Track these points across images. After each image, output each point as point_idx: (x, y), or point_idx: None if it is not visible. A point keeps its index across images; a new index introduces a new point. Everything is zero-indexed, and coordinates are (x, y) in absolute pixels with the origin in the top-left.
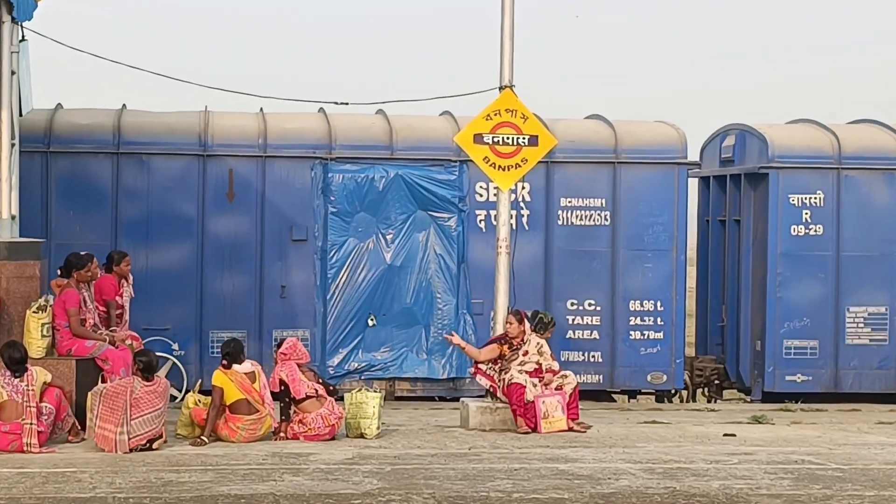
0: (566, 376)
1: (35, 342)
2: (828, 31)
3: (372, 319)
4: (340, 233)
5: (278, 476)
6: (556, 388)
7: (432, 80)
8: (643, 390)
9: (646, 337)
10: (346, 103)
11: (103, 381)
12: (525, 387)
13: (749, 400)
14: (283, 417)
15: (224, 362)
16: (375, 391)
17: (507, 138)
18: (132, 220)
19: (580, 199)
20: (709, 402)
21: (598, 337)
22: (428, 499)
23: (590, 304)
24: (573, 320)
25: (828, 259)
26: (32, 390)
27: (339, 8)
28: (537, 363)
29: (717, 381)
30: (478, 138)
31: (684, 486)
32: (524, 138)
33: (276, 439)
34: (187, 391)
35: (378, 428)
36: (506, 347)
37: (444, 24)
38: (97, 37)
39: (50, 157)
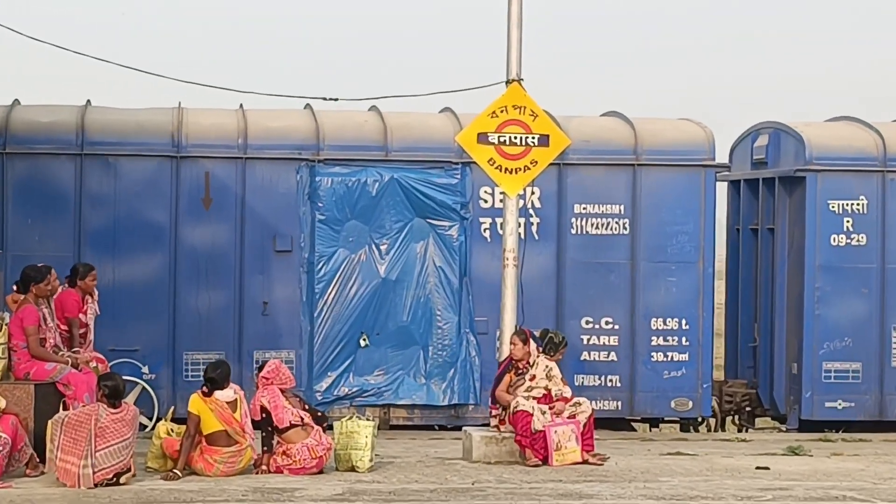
0: (579, 404)
1: None
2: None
3: (364, 339)
4: (329, 243)
5: None
6: (568, 417)
7: (431, 74)
8: (666, 418)
9: (669, 359)
10: (336, 99)
11: (65, 409)
12: (532, 415)
13: (784, 429)
14: (266, 448)
15: (205, 388)
16: (368, 419)
17: (515, 138)
18: (97, 229)
19: (596, 206)
20: (739, 431)
21: (615, 359)
22: None
23: (607, 323)
24: (588, 340)
25: (872, 272)
26: None
27: None
28: (546, 388)
29: (748, 408)
30: (482, 138)
31: None
32: (533, 138)
33: (257, 473)
34: (158, 419)
35: (371, 460)
36: (513, 374)
37: (444, 12)
38: (59, 27)
39: (6, 159)
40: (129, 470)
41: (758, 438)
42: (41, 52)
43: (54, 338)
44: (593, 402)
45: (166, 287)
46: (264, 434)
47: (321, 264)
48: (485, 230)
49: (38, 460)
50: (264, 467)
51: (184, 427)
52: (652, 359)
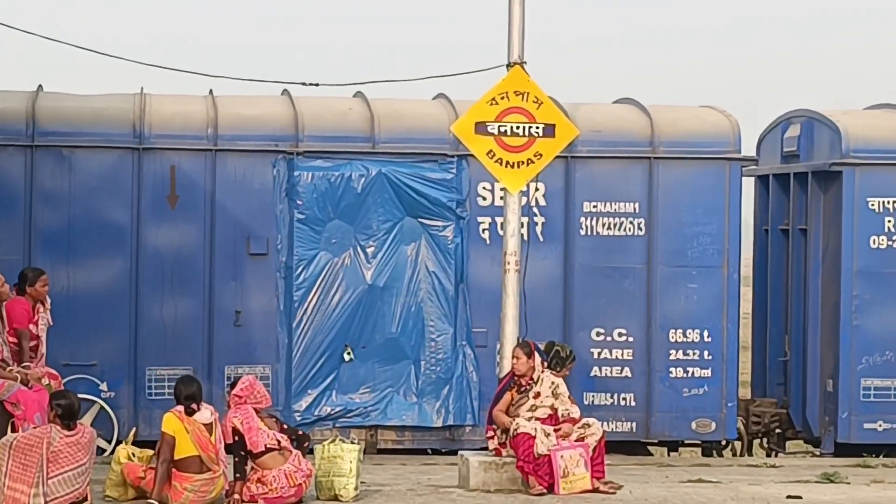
0: (589, 425)
1: None
2: None
3: (349, 353)
4: (309, 245)
5: None
6: (576, 440)
7: (424, 56)
8: (686, 441)
9: (690, 375)
10: (317, 84)
11: (14, 430)
12: (534, 437)
13: (818, 453)
14: (238, 476)
15: (187, 407)
16: (353, 442)
17: (517, 128)
18: (50, 230)
19: (608, 204)
20: (768, 455)
21: (630, 375)
22: None
23: (620, 335)
24: (599, 354)
25: None
26: None
27: None
28: (552, 407)
29: (778, 430)
30: (480, 128)
31: None
32: (538, 127)
33: (229, 502)
34: (118, 442)
35: (356, 488)
36: (514, 391)
37: None
38: (4, 2)
39: None
40: (85, 499)
41: (789, 464)
42: None
43: (1, 352)
44: (605, 424)
45: (127, 294)
46: (237, 459)
47: (300, 269)
48: (483, 231)
49: None
50: (237, 496)
51: (146, 451)
52: (670, 375)
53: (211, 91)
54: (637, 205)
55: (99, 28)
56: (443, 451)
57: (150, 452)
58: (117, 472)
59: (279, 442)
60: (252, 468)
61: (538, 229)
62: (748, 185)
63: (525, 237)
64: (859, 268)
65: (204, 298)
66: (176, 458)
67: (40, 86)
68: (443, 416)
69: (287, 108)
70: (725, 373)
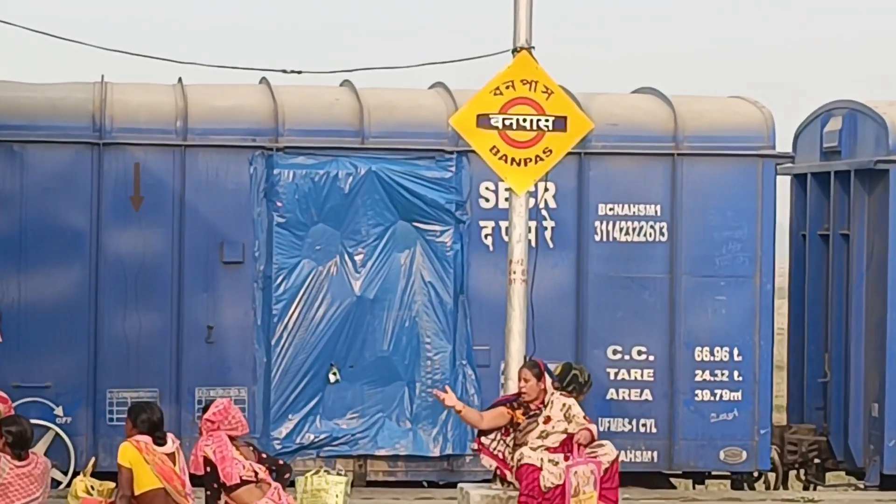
0: (602, 445)
1: None
2: None
3: (335, 373)
4: (291, 252)
5: None
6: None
7: (419, 41)
8: (714, 472)
9: (717, 398)
10: (300, 72)
11: None
12: (540, 469)
13: (862, 486)
14: None
15: (142, 436)
16: (340, 473)
17: (524, 121)
18: None
19: (626, 206)
20: (806, 488)
21: (650, 398)
22: None
23: (639, 353)
24: (616, 375)
25: None
26: None
27: None
28: (564, 432)
29: (817, 460)
30: (483, 121)
31: None
32: (547, 120)
33: None
34: (76, 474)
35: None
36: (519, 413)
37: None
38: None
39: None
40: None
41: (829, 498)
42: None
43: None
44: (623, 453)
45: (85, 307)
46: (208, 493)
47: (280, 279)
48: (486, 237)
49: None
50: None
51: (107, 484)
52: (696, 398)
53: (180, 79)
54: (658, 207)
55: (53, 7)
56: (440, 483)
57: (112, 485)
58: None
59: (256, 473)
60: (226, 503)
61: (547, 235)
62: (783, 184)
63: (533, 243)
64: None
65: (172, 312)
66: (137, 492)
67: None
68: (440, 444)
69: (266, 98)
70: (758, 396)
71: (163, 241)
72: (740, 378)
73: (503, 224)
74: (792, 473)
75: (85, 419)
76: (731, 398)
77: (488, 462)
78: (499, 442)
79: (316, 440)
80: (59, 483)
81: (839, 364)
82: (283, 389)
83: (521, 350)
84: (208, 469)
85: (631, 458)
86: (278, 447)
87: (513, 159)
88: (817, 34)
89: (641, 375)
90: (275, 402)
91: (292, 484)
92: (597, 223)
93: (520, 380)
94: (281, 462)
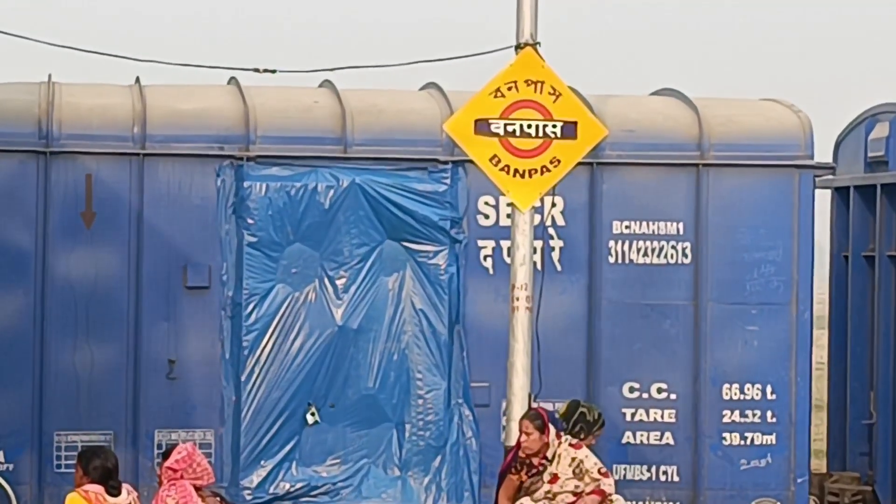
0: (612, 501)
1: None
2: None
3: (313, 414)
4: (263, 276)
5: None
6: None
7: (410, 36)
8: None
9: (748, 442)
10: (274, 71)
11: None
12: None
13: None
14: None
15: (94, 486)
16: None
17: (528, 126)
18: None
19: (644, 224)
20: None
21: (672, 442)
22: None
23: (660, 391)
24: (633, 416)
25: None
26: None
27: None
28: (574, 492)
29: None
30: (482, 127)
31: None
32: (555, 126)
33: None
34: None
35: None
36: (522, 473)
37: None
38: None
39: None
40: None
41: None
42: None
43: None
44: (642, 503)
45: (30, 338)
46: None
47: (252, 307)
48: (485, 258)
49: None
50: None
51: None
52: (724, 442)
53: (138, 79)
54: (681, 225)
55: None
56: None
57: None
58: None
59: None
60: None
61: (555, 256)
62: (823, 199)
63: (539, 266)
64: None
65: (128, 344)
66: None
67: None
68: (433, 493)
69: (235, 101)
70: (794, 439)
71: (118, 263)
72: (774, 419)
73: (504, 244)
74: None
75: (29, 466)
76: (764, 442)
77: None
78: None
79: (292, 490)
80: None
81: (886, 404)
82: (255, 432)
83: (524, 388)
84: None
85: None
86: (249, 497)
87: (516, 170)
88: (862, 28)
89: (662, 416)
90: (245, 447)
91: None
92: (611, 243)
93: (522, 432)
94: None
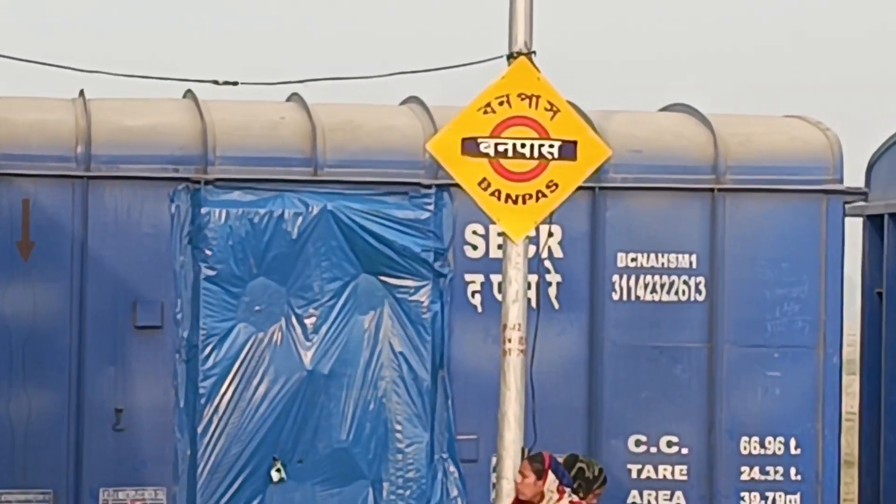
0: None
1: None
2: None
3: (279, 470)
4: (223, 314)
5: None
6: None
7: (389, 44)
8: None
9: (770, 502)
10: (236, 83)
11: None
12: None
13: None
14: None
15: None
16: None
17: (522, 146)
18: None
19: (652, 256)
20: None
21: (683, 502)
22: None
23: (669, 444)
24: (640, 472)
25: None
26: None
27: None
28: None
29: None
30: (469, 146)
31: None
32: (552, 146)
33: None
34: None
35: None
36: None
37: None
38: None
39: None
40: None
41: None
42: None
43: None
44: None
45: None
46: None
47: (210, 349)
48: (473, 294)
49: None
50: None
51: None
52: (742, 503)
53: (82, 92)
54: (694, 257)
55: None
56: None
57: None
58: None
59: None
60: None
61: (552, 292)
62: (854, 228)
63: (533, 304)
64: None
65: (70, 391)
66: None
67: None
68: None
69: (192, 116)
70: (821, 499)
71: (59, 300)
72: (799, 477)
73: (495, 279)
74: None
75: None
76: (788, 502)
77: None
78: None
79: None
80: None
81: None
82: (213, 491)
83: (517, 441)
84: None
85: None
86: None
87: (508, 196)
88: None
89: (672, 473)
90: None
91: None
92: (615, 277)
93: (519, 476)
94: None
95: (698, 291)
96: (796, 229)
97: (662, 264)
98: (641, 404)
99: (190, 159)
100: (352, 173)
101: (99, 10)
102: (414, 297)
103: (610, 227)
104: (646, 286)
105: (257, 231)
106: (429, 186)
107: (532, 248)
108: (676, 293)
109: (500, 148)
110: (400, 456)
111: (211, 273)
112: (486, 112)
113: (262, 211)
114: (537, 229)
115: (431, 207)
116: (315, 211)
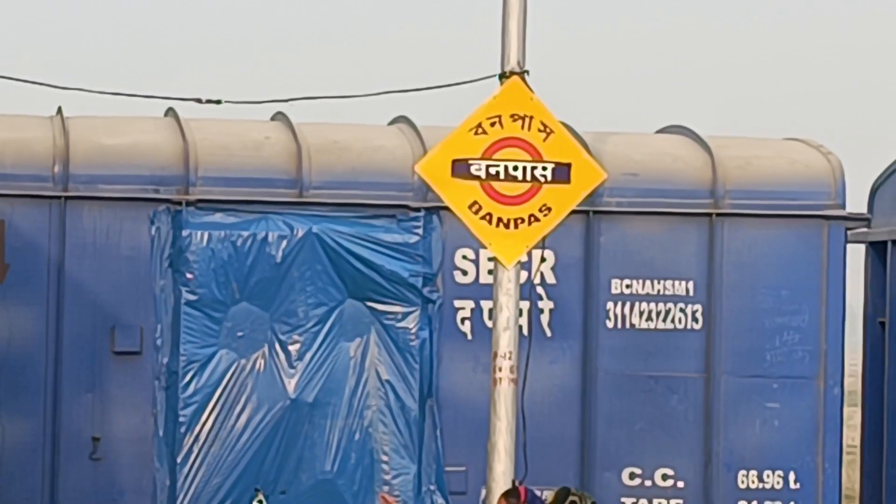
0: None
1: None
2: None
3: (261, 502)
4: (204, 340)
5: None
6: None
7: (377, 64)
8: None
9: None
10: (219, 101)
11: None
12: None
13: None
14: None
15: None
16: None
17: (514, 169)
18: None
19: (647, 282)
20: None
21: None
22: None
23: (665, 477)
24: None
25: None
26: None
27: None
28: None
29: None
30: (460, 168)
31: None
32: (545, 168)
33: None
34: None
35: None
36: None
37: None
38: None
39: None
40: None
41: None
42: None
43: None
44: None
45: None
46: None
47: (190, 376)
48: (463, 321)
49: None
50: None
51: None
52: None
53: (60, 110)
54: (691, 284)
55: None
56: None
57: None
58: None
59: None
60: None
61: (544, 319)
62: (856, 254)
63: (525, 331)
64: None
65: (45, 418)
66: None
67: None
68: None
69: (173, 135)
70: None
71: (34, 324)
72: None
73: (486, 305)
74: None
75: None
76: None
77: None
78: None
79: None
80: None
81: None
82: None
83: (508, 473)
84: None
85: None
86: None
87: (499, 219)
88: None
89: None
90: None
91: None
92: (609, 305)
93: None
94: None
95: (695, 319)
96: (796, 256)
97: (658, 291)
98: (636, 436)
99: (171, 180)
100: (338, 195)
101: (77, 24)
102: (402, 324)
103: (604, 252)
104: (641, 314)
105: (240, 254)
106: (417, 209)
107: (524, 274)
108: (672, 321)
109: (492, 170)
110: (386, 488)
111: (192, 297)
112: (477, 133)
113: (245, 233)
114: (529, 254)
115: (420, 231)
116: (300, 234)
